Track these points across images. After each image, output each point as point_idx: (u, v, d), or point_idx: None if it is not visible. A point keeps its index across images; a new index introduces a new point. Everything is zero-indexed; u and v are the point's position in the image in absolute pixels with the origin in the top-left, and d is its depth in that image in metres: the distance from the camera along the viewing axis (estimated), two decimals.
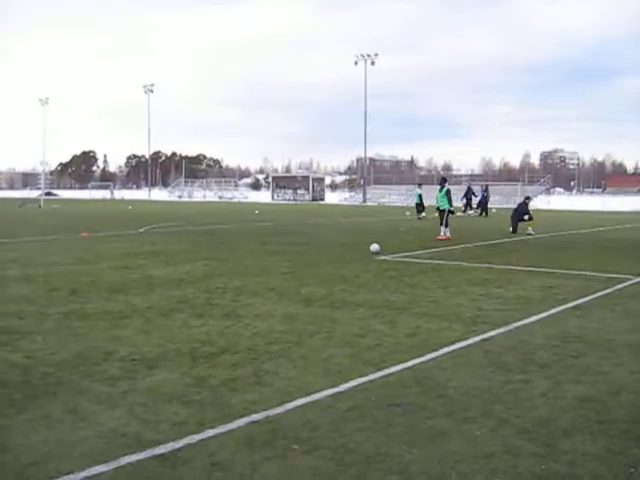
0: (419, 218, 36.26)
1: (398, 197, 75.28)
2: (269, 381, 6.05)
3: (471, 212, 42.58)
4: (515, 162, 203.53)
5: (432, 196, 29.43)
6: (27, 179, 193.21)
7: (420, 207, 38.06)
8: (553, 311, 9.51)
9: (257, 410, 5.24)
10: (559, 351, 7.21)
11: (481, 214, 40.94)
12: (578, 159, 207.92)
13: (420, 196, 38.88)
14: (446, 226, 21.77)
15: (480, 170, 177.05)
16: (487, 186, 44.86)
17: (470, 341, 7.64)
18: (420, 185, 42.79)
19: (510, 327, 8.39)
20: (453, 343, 7.51)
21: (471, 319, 8.87)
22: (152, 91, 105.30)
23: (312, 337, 7.78)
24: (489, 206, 43.11)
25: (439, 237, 21.52)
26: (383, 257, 16.15)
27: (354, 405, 5.41)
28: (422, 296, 10.67)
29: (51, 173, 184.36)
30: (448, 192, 21.91)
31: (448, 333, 8.03)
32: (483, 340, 7.69)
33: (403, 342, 7.57)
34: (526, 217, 24.65)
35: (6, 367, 6.46)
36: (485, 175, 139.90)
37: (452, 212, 21.87)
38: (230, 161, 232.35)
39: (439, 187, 22.96)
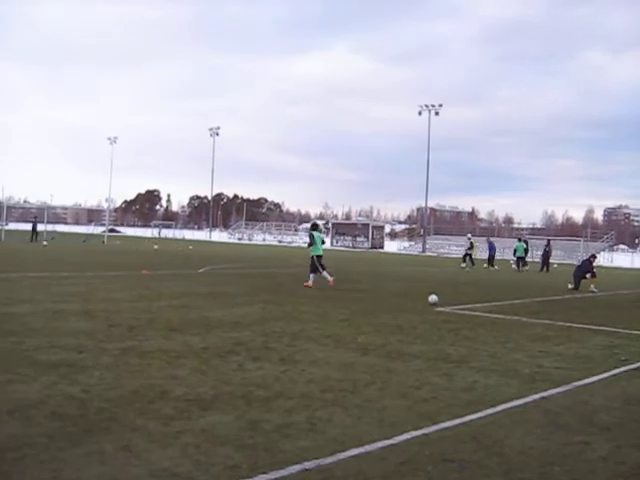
0: (526, 270, 36.38)
1: (458, 248, 74.84)
2: (322, 429, 6.00)
3: (526, 268, 39.78)
4: (578, 217, 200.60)
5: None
6: (92, 215, 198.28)
7: (523, 260, 38.04)
8: (615, 372, 9.27)
9: (309, 458, 5.19)
10: (621, 414, 7.01)
11: (542, 269, 40.37)
12: None
13: (525, 250, 38.90)
14: (313, 272, 20.70)
15: (542, 224, 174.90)
16: (549, 240, 44.32)
17: (528, 399, 7.47)
18: (521, 239, 42.09)
19: (570, 386, 8.18)
20: (511, 400, 7.35)
21: (530, 376, 8.69)
22: (218, 134, 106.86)
23: (367, 387, 7.71)
24: (550, 261, 42.53)
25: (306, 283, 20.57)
26: (441, 308, 16.01)
27: (408, 458, 5.31)
28: (480, 350, 10.51)
29: (115, 210, 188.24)
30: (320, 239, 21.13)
31: (506, 389, 7.88)
32: (542, 398, 7.52)
33: (459, 396, 7.45)
34: (588, 275, 24.12)
35: (63, 400, 6.53)
36: (547, 229, 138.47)
37: (319, 257, 20.91)
38: (290, 205, 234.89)
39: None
